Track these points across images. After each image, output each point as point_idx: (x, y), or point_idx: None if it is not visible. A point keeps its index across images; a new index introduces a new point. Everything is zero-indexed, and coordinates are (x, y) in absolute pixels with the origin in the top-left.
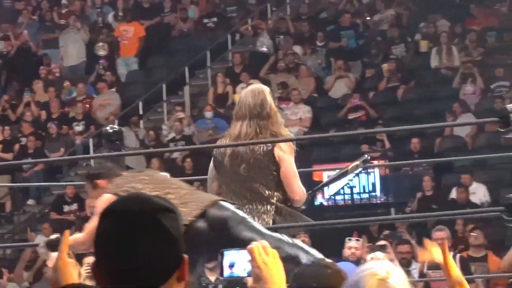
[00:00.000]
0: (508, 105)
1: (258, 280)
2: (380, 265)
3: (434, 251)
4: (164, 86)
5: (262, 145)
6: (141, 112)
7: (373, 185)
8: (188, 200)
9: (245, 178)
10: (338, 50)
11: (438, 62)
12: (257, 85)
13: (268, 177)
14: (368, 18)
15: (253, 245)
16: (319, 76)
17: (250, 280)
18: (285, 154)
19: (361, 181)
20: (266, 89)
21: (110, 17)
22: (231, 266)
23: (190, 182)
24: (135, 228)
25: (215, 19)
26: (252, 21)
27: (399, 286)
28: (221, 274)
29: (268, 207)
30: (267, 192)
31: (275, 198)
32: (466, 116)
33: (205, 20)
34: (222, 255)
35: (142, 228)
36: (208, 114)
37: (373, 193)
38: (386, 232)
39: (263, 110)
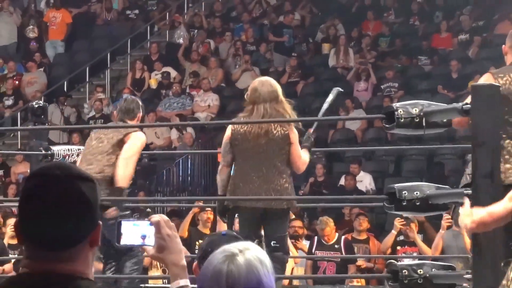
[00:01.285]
0: (396, 104)
1: (162, 250)
2: (237, 244)
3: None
4: (87, 69)
5: (280, 129)
6: (65, 90)
7: None
8: None
9: (265, 155)
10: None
11: (335, 62)
12: (268, 78)
13: (282, 156)
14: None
15: (158, 218)
16: (228, 68)
17: (151, 250)
18: (296, 136)
19: None
20: (275, 83)
21: (42, 4)
22: (143, 237)
23: None
24: (55, 191)
25: (136, 11)
26: (170, 15)
27: (248, 263)
28: (118, 241)
29: (281, 180)
30: (282, 167)
31: (288, 172)
32: (357, 112)
33: (128, 12)
34: (120, 224)
35: (62, 192)
36: (126, 96)
37: None
38: None
39: (278, 96)
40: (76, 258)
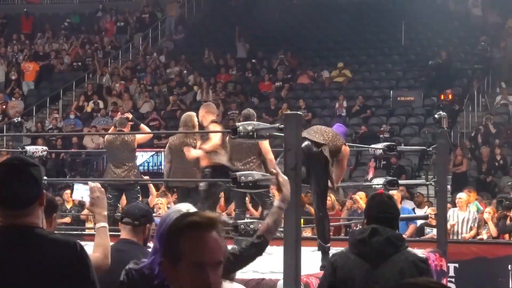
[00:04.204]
0: (237, 123)
1: (92, 205)
2: (183, 205)
3: None
4: (48, 99)
5: (191, 139)
6: (34, 112)
7: (161, 162)
8: None
9: (179, 154)
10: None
11: (200, 97)
12: (190, 112)
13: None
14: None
15: (92, 185)
16: (135, 100)
17: (87, 204)
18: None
19: (153, 159)
20: (193, 114)
21: (20, 58)
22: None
23: (59, 153)
24: (16, 173)
25: (79, 63)
26: (100, 67)
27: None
28: (71, 196)
29: (189, 166)
30: (189, 160)
31: (193, 163)
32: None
33: (74, 64)
34: (73, 186)
35: (20, 173)
36: (72, 116)
37: (160, 166)
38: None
39: (192, 121)
40: (31, 214)
